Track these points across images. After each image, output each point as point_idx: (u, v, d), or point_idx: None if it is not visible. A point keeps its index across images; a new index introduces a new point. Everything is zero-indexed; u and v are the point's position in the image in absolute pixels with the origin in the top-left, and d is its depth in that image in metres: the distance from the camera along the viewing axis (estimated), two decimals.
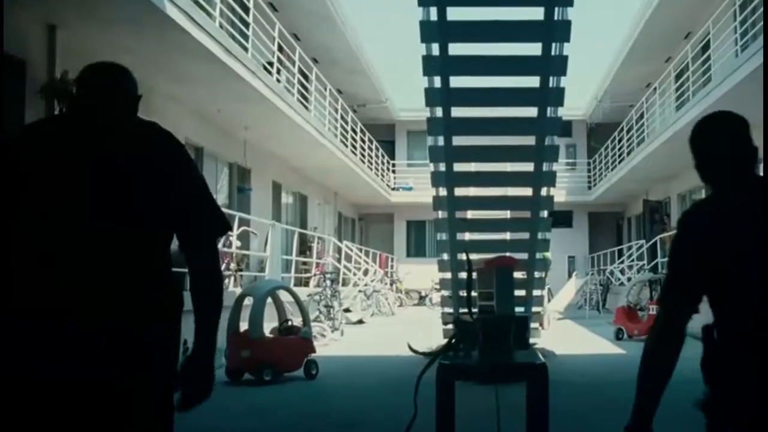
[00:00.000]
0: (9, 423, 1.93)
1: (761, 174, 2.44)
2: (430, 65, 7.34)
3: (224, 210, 2.45)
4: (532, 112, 7.80)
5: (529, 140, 8.07)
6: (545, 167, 8.16)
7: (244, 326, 8.00)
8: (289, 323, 8.49)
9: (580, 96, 27.53)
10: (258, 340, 7.81)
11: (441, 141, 7.99)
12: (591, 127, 28.97)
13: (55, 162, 2.08)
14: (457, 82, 7.57)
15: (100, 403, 1.95)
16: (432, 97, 7.66)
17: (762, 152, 2.47)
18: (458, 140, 8.10)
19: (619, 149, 23.99)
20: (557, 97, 7.53)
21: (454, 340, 4.47)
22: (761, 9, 12.43)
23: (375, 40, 47.65)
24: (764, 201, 2.20)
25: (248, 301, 8.21)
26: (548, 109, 7.61)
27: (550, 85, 7.36)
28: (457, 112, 7.82)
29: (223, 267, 3.51)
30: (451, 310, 10.28)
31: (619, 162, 23.55)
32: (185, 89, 12.03)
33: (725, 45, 15.58)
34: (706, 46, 17.49)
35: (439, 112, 7.79)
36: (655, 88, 20.76)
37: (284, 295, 9.09)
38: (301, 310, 8.59)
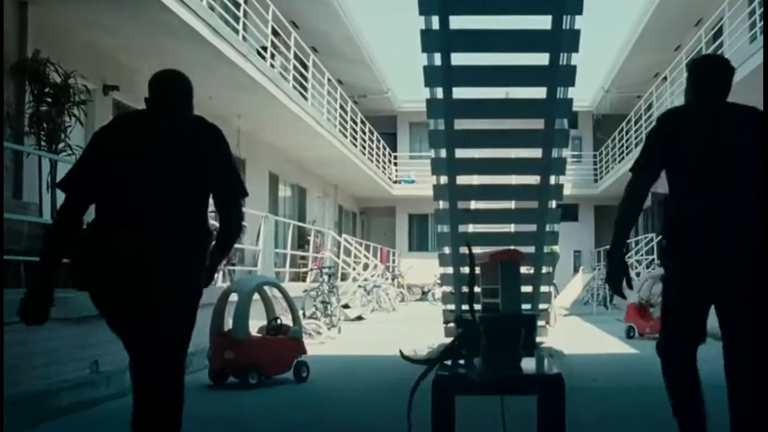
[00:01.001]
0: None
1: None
2: (429, 40, 6.70)
3: None
4: (540, 93, 7.17)
5: (537, 124, 7.46)
6: (554, 153, 7.52)
7: (229, 325, 7.44)
8: (278, 322, 7.89)
9: (587, 87, 26.88)
10: (243, 340, 7.22)
11: (442, 125, 7.36)
12: (597, 118, 28.44)
13: (144, 150, 3.16)
14: (459, 59, 6.94)
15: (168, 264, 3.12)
16: (431, 76, 7.00)
17: (762, 150, 3.37)
18: (460, 124, 7.47)
19: (627, 140, 23.43)
20: (568, 75, 6.88)
21: (454, 345, 3.87)
22: None
23: (376, 29, 46.89)
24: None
25: (235, 298, 7.62)
26: (558, 89, 6.98)
27: (561, 62, 6.74)
28: (459, 93, 7.19)
29: None
30: (452, 307, 9.70)
31: (627, 154, 22.96)
32: None
33: (739, 31, 15.00)
34: (717, 33, 16.92)
35: (439, 93, 7.15)
36: (665, 77, 20.16)
37: (277, 291, 8.51)
38: (291, 307, 8.00)
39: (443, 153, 7.60)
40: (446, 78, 6.85)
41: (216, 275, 3.76)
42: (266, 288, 8.21)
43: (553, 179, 7.91)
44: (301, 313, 12.98)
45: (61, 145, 7.77)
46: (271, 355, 7.45)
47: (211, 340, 7.36)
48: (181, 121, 3.24)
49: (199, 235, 3.25)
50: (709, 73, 3.66)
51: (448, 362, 3.72)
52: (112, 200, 3.12)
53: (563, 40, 6.64)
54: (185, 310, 3.25)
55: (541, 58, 6.98)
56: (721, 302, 3.44)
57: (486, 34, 7.02)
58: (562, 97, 7.04)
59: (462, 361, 3.73)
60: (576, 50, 6.80)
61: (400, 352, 3.68)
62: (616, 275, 3.56)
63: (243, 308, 7.34)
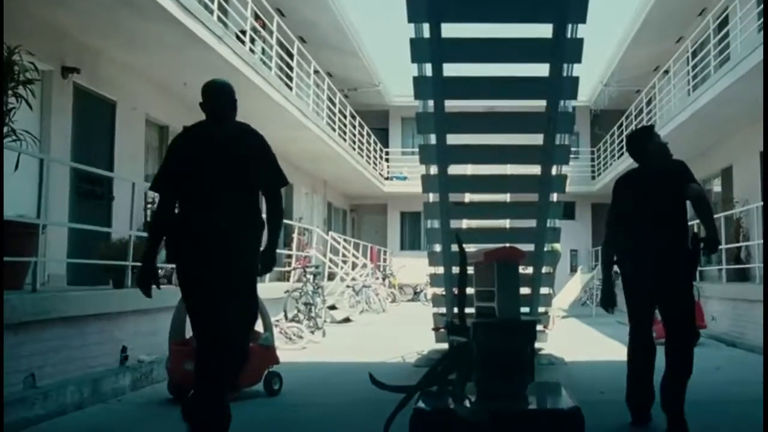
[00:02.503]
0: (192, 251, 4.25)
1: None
2: (416, 8, 5.90)
3: None
4: (541, 70, 6.37)
5: (537, 107, 6.67)
6: (557, 140, 6.73)
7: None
8: None
9: (584, 81, 26.03)
10: None
11: (431, 107, 6.57)
12: (595, 113, 27.70)
13: (207, 150, 4.32)
14: (450, 31, 6.13)
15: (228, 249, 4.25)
16: (420, 51, 6.20)
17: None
18: (452, 106, 6.67)
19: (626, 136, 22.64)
20: (574, 50, 6.09)
21: (438, 369, 3.06)
22: None
23: (367, 20, 46.00)
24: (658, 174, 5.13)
25: None
26: (564, 66, 6.18)
27: (567, 35, 5.94)
28: (450, 70, 6.39)
29: None
30: (444, 310, 8.90)
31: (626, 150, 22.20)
32: (143, 57, 10.60)
33: (748, 19, 14.25)
34: (722, 23, 16.18)
35: (428, 70, 6.35)
36: (666, 71, 19.42)
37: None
38: (261, 311, 7.15)
39: (433, 139, 6.82)
40: (436, 52, 6.05)
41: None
42: None
43: (555, 169, 7.14)
44: (281, 315, 12.17)
45: (5, 130, 6.91)
46: None
47: (170, 349, 6.54)
48: (228, 126, 4.35)
49: (251, 216, 4.31)
50: (644, 140, 5.21)
51: (434, 389, 2.91)
52: (188, 192, 4.26)
53: (569, 9, 5.86)
54: (245, 272, 4.31)
55: (544, 31, 6.21)
56: (661, 306, 5.07)
57: (482, 2, 6.22)
58: (567, 75, 6.27)
59: (450, 387, 2.92)
60: (584, 20, 6.01)
61: (370, 376, 2.88)
62: (609, 301, 5.33)
63: None
